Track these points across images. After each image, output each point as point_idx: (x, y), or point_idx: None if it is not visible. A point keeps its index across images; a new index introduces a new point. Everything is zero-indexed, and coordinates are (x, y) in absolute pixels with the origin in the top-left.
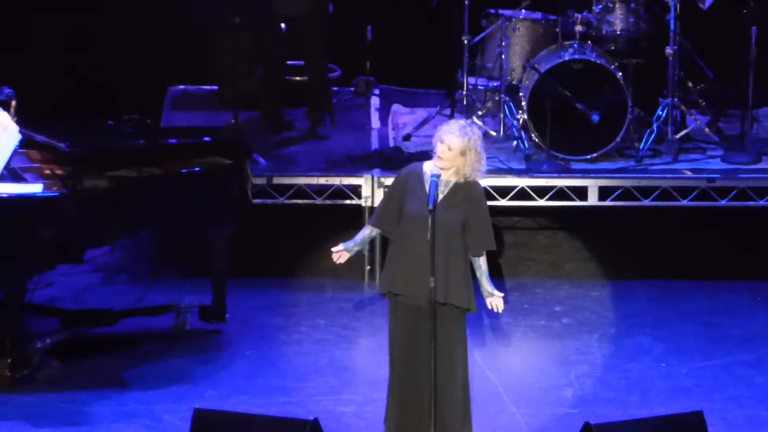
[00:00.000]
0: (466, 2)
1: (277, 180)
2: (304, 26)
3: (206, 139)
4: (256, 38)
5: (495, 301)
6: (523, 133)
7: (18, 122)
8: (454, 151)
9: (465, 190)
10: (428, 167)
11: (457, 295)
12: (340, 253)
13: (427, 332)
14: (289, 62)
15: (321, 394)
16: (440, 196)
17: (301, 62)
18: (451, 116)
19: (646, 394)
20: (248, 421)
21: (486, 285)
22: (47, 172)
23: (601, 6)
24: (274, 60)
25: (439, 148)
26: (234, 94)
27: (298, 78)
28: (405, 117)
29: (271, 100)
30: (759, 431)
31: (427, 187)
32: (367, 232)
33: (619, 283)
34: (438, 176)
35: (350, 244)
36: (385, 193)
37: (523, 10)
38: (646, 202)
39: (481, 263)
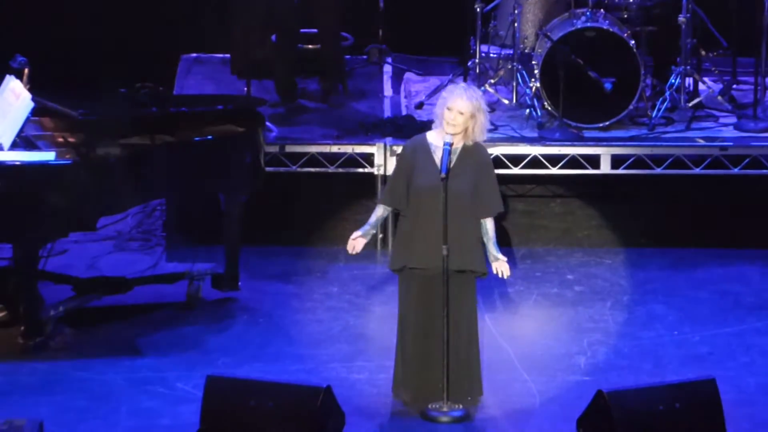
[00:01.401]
0: None
1: (289, 148)
2: None
3: (219, 106)
4: (269, 6)
5: (500, 266)
6: (535, 101)
7: (31, 90)
8: (465, 114)
9: (473, 154)
10: (432, 138)
11: (472, 261)
12: (356, 241)
13: (440, 300)
14: (302, 30)
15: (334, 361)
16: (450, 164)
17: (314, 30)
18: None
19: (659, 361)
20: (261, 388)
21: (492, 249)
22: (60, 139)
23: None
24: (287, 28)
25: (449, 115)
26: (247, 62)
27: (311, 46)
28: (417, 85)
29: (284, 68)
30: None
31: (435, 158)
32: (380, 212)
33: (631, 251)
34: (450, 144)
35: (366, 228)
36: (393, 170)
37: None
38: (658, 170)
39: (489, 227)
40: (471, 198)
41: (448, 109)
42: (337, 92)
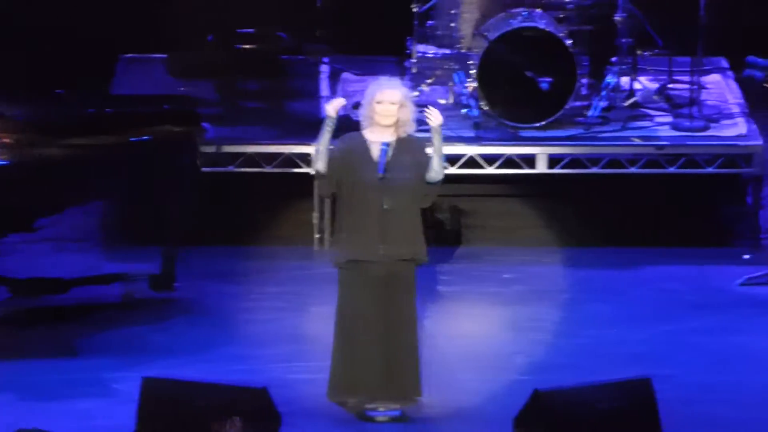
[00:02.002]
0: None
1: (227, 148)
2: None
3: (156, 107)
4: (206, 5)
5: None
6: (472, 101)
7: None
8: (396, 104)
9: (408, 146)
10: (368, 135)
11: (414, 250)
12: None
13: (380, 298)
14: (239, 30)
15: (273, 361)
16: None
17: (251, 30)
18: None
19: (598, 360)
20: (197, 389)
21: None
22: None
23: None
24: (223, 28)
25: (381, 108)
26: (184, 62)
27: (248, 46)
28: (355, 85)
29: (221, 68)
30: (709, 397)
31: (373, 154)
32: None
33: (569, 250)
34: (388, 144)
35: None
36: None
37: None
38: (595, 170)
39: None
40: (411, 190)
41: (378, 102)
42: (275, 92)
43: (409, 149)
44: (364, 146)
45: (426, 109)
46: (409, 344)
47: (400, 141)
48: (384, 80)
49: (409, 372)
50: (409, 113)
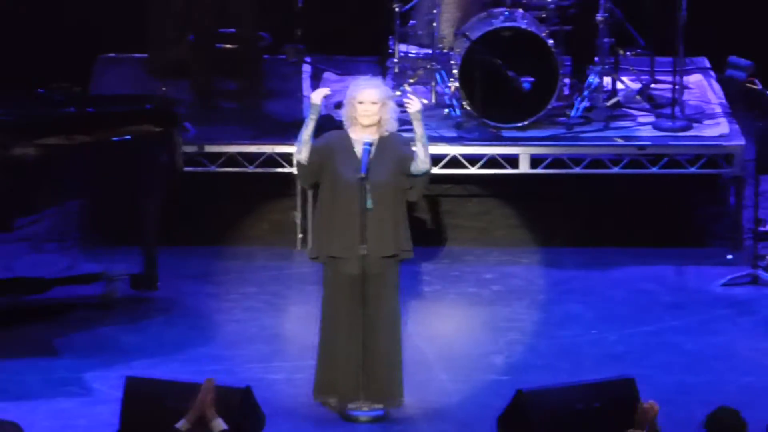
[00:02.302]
0: None
1: (208, 148)
2: None
3: (136, 106)
4: (187, 5)
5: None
6: (454, 100)
7: None
8: (377, 104)
9: (390, 143)
10: (352, 133)
11: (397, 245)
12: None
13: (364, 297)
14: (220, 30)
15: (251, 361)
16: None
17: (232, 30)
18: None
19: (577, 360)
20: (181, 389)
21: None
22: None
23: None
24: (203, 28)
25: (363, 108)
26: (164, 62)
27: (228, 46)
28: (336, 84)
29: (201, 68)
30: (688, 397)
31: (357, 152)
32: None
33: (548, 250)
34: (371, 144)
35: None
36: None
37: None
38: (577, 170)
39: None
40: (394, 188)
41: (360, 103)
42: (256, 92)
43: (391, 146)
44: (347, 145)
45: (405, 98)
46: (390, 345)
47: (382, 139)
48: (364, 80)
49: (391, 373)
50: (391, 112)
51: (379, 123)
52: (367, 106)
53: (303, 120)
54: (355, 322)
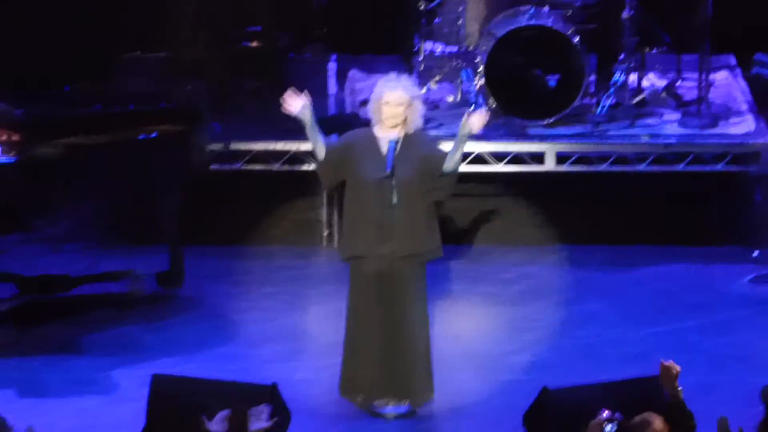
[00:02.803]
0: None
1: (233, 146)
2: None
3: (158, 105)
4: (208, 4)
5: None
6: (480, 98)
7: None
8: (403, 105)
9: (416, 141)
10: (377, 131)
11: (423, 242)
12: (296, 101)
13: (390, 295)
14: (244, 29)
15: (274, 360)
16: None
17: (258, 28)
18: None
19: (598, 360)
20: (207, 386)
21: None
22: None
23: None
24: (226, 26)
25: (388, 110)
26: (187, 61)
27: (251, 44)
28: (362, 82)
29: (217, 67)
30: (709, 397)
31: (382, 150)
32: (320, 140)
33: (571, 248)
34: (396, 142)
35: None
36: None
37: None
38: (602, 167)
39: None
40: (420, 186)
41: (386, 104)
42: (277, 91)
43: (418, 144)
44: (371, 143)
45: (468, 115)
46: (415, 343)
47: (407, 137)
48: (392, 79)
49: (417, 372)
50: (417, 112)
51: (404, 122)
52: (393, 108)
53: (327, 118)
54: (380, 321)
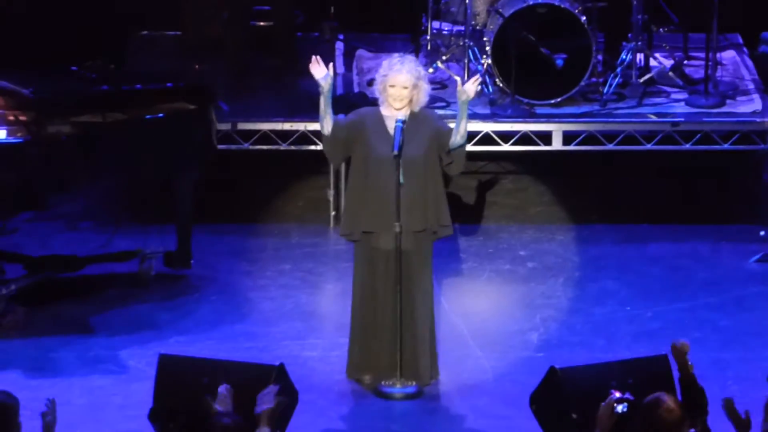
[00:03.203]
0: None
1: (241, 125)
2: None
3: (170, 84)
4: None
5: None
6: (487, 77)
7: None
8: (409, 88)
9: (422, 118)
10: (384, 110)
11: (433, 217)
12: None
13: (395, 273)
14: (255, 7)
15: (286, 339)
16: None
17: (267, 7)
18: None
19: (611, 337)
20: (214, 366)
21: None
22: (11, 118)
23: None
24: (238, 5)
25: (394, 92)
26: (198, 39)
27: (263, 23)
28: (369, 62)
29: (236, 46)
30: (723, 374)
31: (389, 129)
32: (330, 113)
33: (583, 227)
34: (403, 121)
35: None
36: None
37: None
38: (610, 146)
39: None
40: (427, 163)
41: (392, 86)
42: (290, 70)
43: (425, 122)
44: (379, 121)
45: (461, 82)
46: (423, 322)
47: (413, 115)
48: (397, 62)
49: (424, 351)
50: (422, 91)
51: (410, 102)
52: (399, 90)
53: (335, 97)
54: (386, 300)
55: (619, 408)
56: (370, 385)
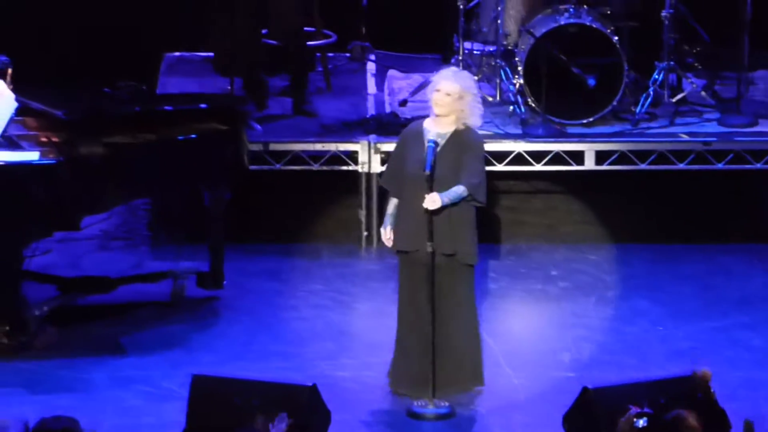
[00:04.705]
0: None
1: (273, 146)
2: None
3: (202, 105)
4: (254, 5)
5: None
6: (519, 97)
7: (14, 90)
8: (452, 95)
9: (462, 137)
10: (428, 124)
11: (465, 249)
12: (389, 234)
13: (432, 288)
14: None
15: (318, 359)
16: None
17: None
18: None
19: (644, 357)
20: (247, 386)
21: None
22: (43, 139)
23: None
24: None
25: (437, 96)
26: (230, 60)
27: (274, 43)
28: (401, 82)
29: (267, 66)
30: (755, 393)
31: (426, 146)
32: (392, 200)
33: (615, 247)
34: (435, 142)
35: (389, 220)
36: (391, 153)
37: None
38: (642, 166)
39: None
40: (454, 181)
41: (437, 90)
42: (321, 90)
43: (462, 144)
44: (419, 137)
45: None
46: (467, 332)
47: (457, 132)
48: (449, 70)
49: (465, 360)
50: (469, 106)
51: (456, 116)
52: (441, 96)
53: (367, 118)
54: (421, 313)
55: (640, 422)
56: (410, 396)
